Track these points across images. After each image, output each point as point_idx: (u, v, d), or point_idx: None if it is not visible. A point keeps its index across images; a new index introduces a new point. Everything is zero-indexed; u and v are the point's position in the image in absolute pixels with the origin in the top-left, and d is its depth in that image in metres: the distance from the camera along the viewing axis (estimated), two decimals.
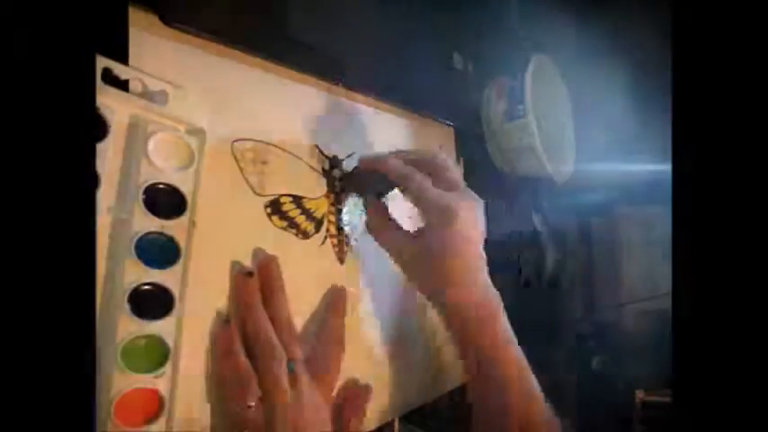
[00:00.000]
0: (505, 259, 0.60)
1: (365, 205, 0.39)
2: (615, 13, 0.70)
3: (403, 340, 0.43)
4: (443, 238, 0.34)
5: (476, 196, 0.36)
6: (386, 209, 0.38)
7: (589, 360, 0.72)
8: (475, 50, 0.59)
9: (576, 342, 0.73)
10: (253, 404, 0.28)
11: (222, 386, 0.29)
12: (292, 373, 0.30)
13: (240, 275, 0.31)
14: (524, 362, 0.36)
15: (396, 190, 0.37)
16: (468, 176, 0.54)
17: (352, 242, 0.40)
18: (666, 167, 0.26)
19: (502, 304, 0.36)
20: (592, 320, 0.74)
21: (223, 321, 0.29)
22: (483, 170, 0.58)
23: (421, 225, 0.36)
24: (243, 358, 0.29)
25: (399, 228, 0.37)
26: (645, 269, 0.73)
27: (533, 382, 0.36)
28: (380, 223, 0.37)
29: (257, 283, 0.31)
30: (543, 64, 0.58)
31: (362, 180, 0.38)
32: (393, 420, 0.41)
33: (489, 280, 0.36)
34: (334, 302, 0.36)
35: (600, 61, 0.66)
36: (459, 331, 0.36)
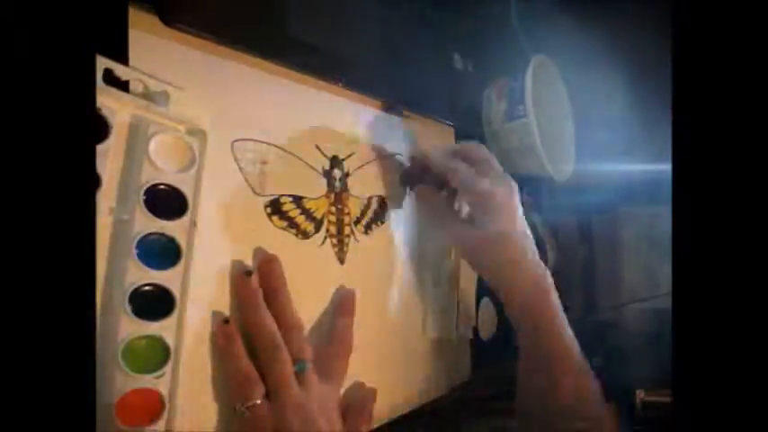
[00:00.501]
0: None
1: (420, 199, 0.43)
2: (615, 13, 0.70)
3: (406, 336, 0.43)
4: (491, 224, 0.38)
5: (511, 180, 0.40)
6: (442, 199, 0.42)
7: (589, 360, 0.72)
8: (475, 51, 0.59)
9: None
10: (255, 403, 0.28)
11: (225, 387, 0.29)
12: (303, 372, 0.30)
13: (240, 275, 0.31)
14: (574, 339, 0.39)
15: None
16: None
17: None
18: (666, 167, 0.26)
19: (551, 280, 0.40)
20: (592, 320, 0.73)
21: (222, 321, 0.29)
22: None
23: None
24: (243, 358, 0.29)
25: (456, 217, 0.41)
26: (645, 269, 0.73)
27: (582, 358, 0.39)
28: (437, 213, 0.41)
29: (257, 281, 0.31)
30: (543, 64, 0.58)
31: (416, 176, 0.42)
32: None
33: (537, 257, 0.40)
34: (342, 303, 0.37)
35: (600, 61, 0.66)
36: (516, 309, 0.39)
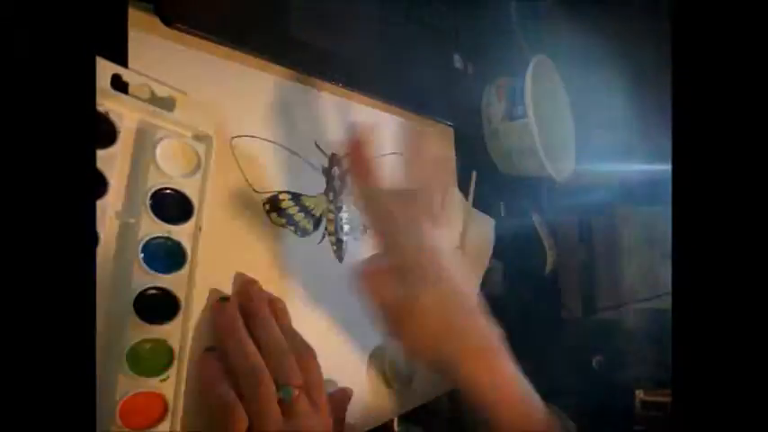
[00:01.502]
0: (505, 260, 0.60)
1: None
2: (615, 12, 0.70)
3: None
4: (434, 295, 0.27)
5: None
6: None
7: (589, 360, 0.72)
8: (475, 51, 0.59)
9: (575, 342, 0.73)
10: None
11: (207, 418, 0.27)
12: (288, 398, 0.28)
13: (216, 302, 0.30)
14: (535, 399, 0.30)
15: None
16: (467, 176, 0.54)
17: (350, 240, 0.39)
18: (666, 167, 0.26)
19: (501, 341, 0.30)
20: (592, 320, 0.74)
21: (203, 350, 0.28)
22: (483, 170, 0.58)
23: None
24: (225, 387, 0.27)
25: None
26: (645, 269, 0.73)
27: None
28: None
29: (234, 307, 0.30)
30: (543, 64, 0.58)
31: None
32: (392, 420, 0.41)
33: (484, 319, 0.30)
34: (275, 309, 0.32)
35: (600, 62, 0.66)
36: (468, 391, 0.29)
